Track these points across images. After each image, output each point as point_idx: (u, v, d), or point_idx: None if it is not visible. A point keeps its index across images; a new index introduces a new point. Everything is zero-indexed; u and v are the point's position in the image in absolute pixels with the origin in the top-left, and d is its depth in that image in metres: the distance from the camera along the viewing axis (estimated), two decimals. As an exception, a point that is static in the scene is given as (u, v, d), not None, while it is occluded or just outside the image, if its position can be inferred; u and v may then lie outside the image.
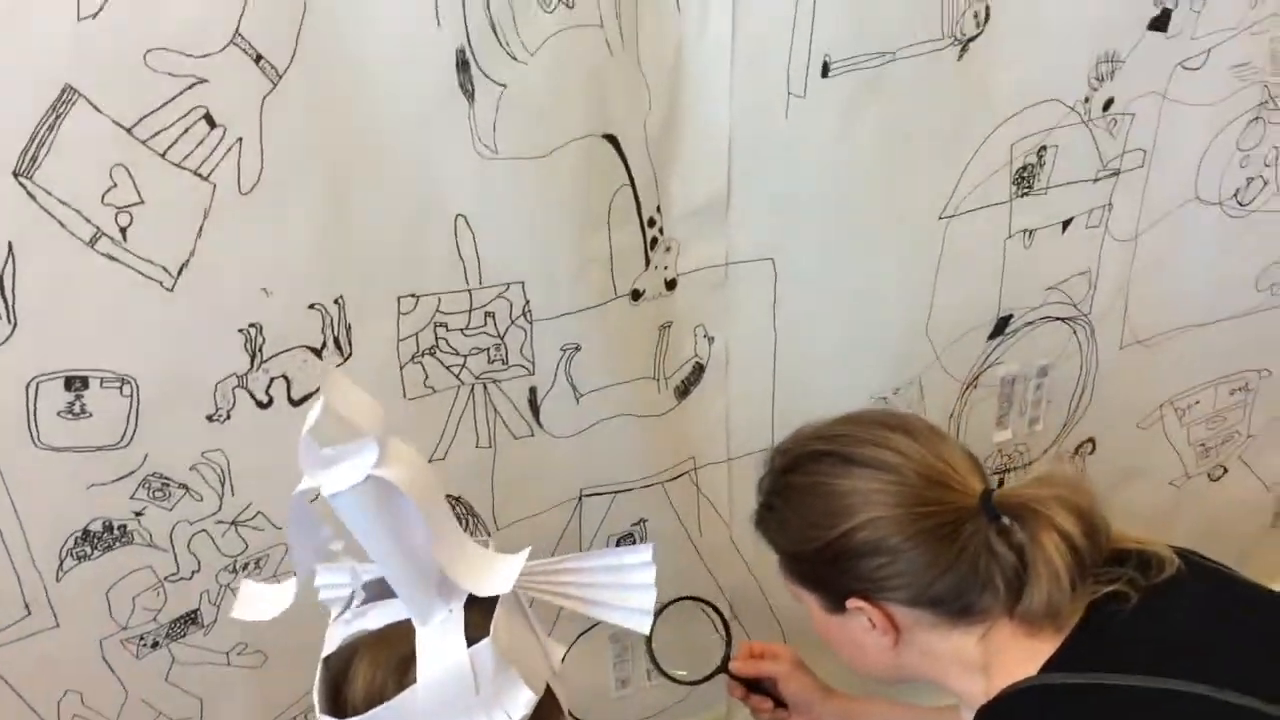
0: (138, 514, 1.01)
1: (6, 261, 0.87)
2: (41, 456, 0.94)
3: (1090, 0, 1.18)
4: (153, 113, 0.87)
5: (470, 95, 0.97)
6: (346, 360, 1.04)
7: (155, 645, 1.08)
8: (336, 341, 1.03)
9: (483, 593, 0.65)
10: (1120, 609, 0.86)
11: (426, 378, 1.09)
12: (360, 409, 0.61)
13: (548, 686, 0.72)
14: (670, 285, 1.17)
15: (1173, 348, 1.46)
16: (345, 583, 0.74)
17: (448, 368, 1.10)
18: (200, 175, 0.90)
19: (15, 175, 0.84)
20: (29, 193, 0.85)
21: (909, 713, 1.20)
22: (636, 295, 1.14)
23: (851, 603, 0.91)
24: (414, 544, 0.65)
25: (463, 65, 0.96)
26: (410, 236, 1.02)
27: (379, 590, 0.72)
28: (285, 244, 0.96)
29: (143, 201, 0.89)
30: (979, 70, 1.17)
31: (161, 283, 0.93)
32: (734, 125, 1.10)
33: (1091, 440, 1.49)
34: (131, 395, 0.96)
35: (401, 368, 1.07)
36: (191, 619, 1.09)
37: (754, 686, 1.18)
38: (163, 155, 0.88)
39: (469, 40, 0.95)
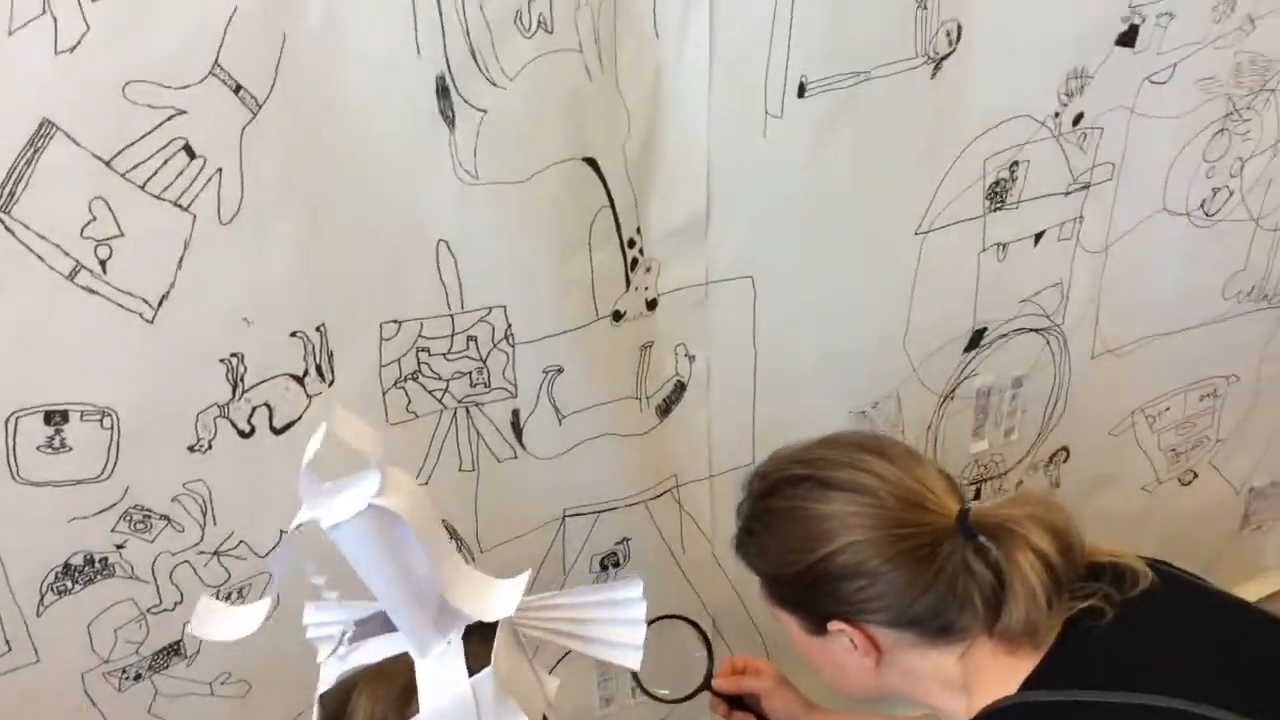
0: (119, 546, 1.00)
1: (-16, 296, 0.86)
2: (21, 491, 0.93)
3: (1060, 17, 1.20)
4: (132, 145, 0.86)
5: (450, 121, 0.97)
6: (329, 387, 1.03)
7: (138, 678, 1.07)
8: (319, 369, 1.02)
9: (487, 617, 0.65)
10: (1097, 625, 0.87)
11: (409, 403, 1.09)
12: (363, 438, 0.61)
13: (544, 717, 0.72)
14: (651, 305, 1.17)
15: (1143, 356, 1.49)
16: (334, 620, 0.73)
17: (430, 392, 1.09)
18: (180, 206, 0.90)
19: (-8, 211, 0.83)
20: (6, 227, 0.84)
21: (892, 727, 1.21)
22: (618, 316, 1.15)
23: (833, 625, 0.92)
24: (414, 574, 0.65)
25: (443, 92, 0.95)
26: (392, 263, 1.01)
27: (370, 627, 0.71)
28: (266, 273, 0.95)
29: (122, 234, 0.88)
30: (952, 88, 1.18)
31: (142, 314, 0.92)
32: (712, 146, 1.11)
33: (1065, 449, 1.51)
34: (112, 428, 0.95)
35: (384, 393, 1.07)
36: (174, 650, 1.08)
37: (737, 703, 1.19)
38: (142, 187, 0.88)
39: (449, 67, 0.95)
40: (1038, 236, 1.33)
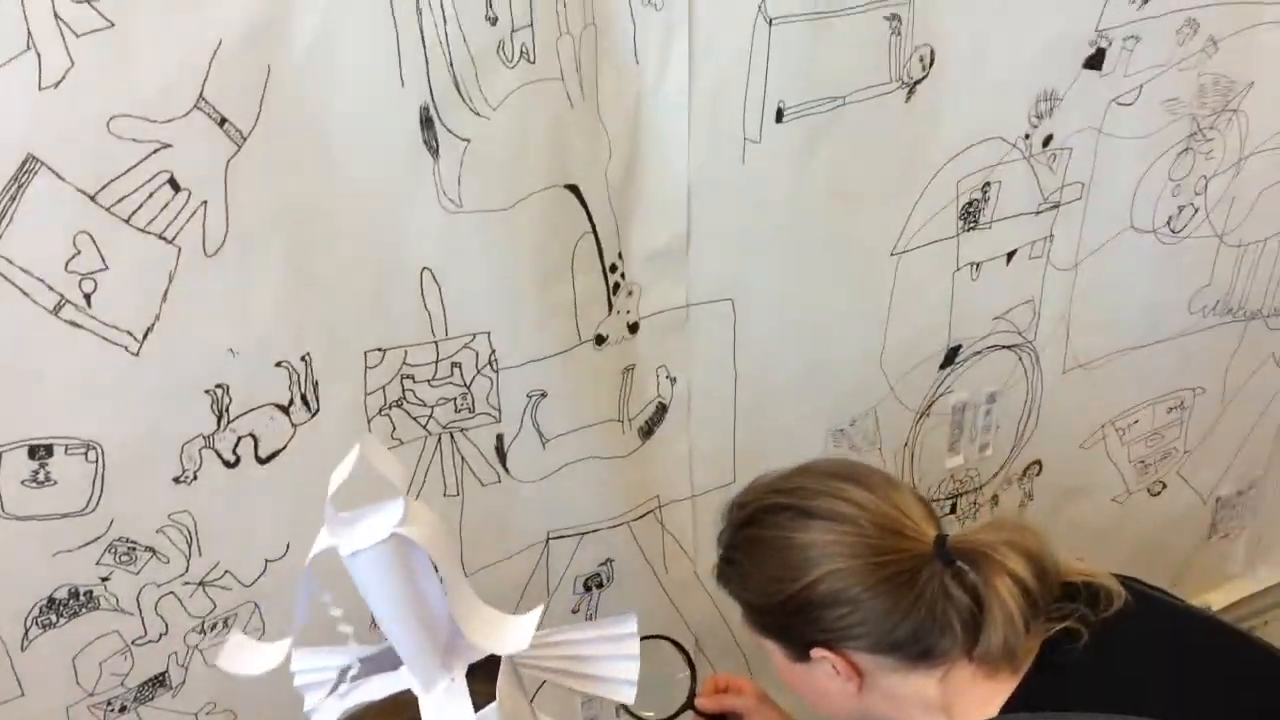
0: (104, 579, 1.00)
1: (-32, 332, 0.85)
2: (5, 526, 0.92)
3: (1029, 41, 1.23)
4: (116, 179, 0.86)
5: (434, 151, 0.97)
6: (314, 416, 1.03)
7: (123, 709, 1.07)
8: (304, 398, 1.02)
9: (500, 651, 0.66)
10: (1074, 646, 0.89)
11: (394, 430, 1.09)
12: (390, 468, 0.62)
13: (540, 752, 0.73)
14: (633, 329, 1.18)
15: (1112, 370, 1.51)
16: (324, 667, 0.74)
17: (415, 419, 1.10)
18: (165, 239, 0.90)
19: (-24, 247, 0.83)
20: (-9, 263, 0.84)
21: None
22: (600, 340, 1.16)
23: (815, 652, 0.93)
24: (427, 606, 0.65)
25: (426, 122, 0.96)
26: (376, 291, 1.02)
27: (369, 666, 0.72)
28: (251, 304, 0.96)
29: (107, 267, 0.88)
30: (925, 111, 1.20)
31: (127, 347, 0.91)
32: (692, 171, 1.12)
33: (1038, 462, 1.54)
34: (97, 461, 0.94)
35: (369, 421, 1.07)
36: (160, 681, 1.08)
37: (719, 721, 1.20)
38: (127, 220, 0.87)
39: (432, 97, 0.95)
40: (1010, 255, 1.36)
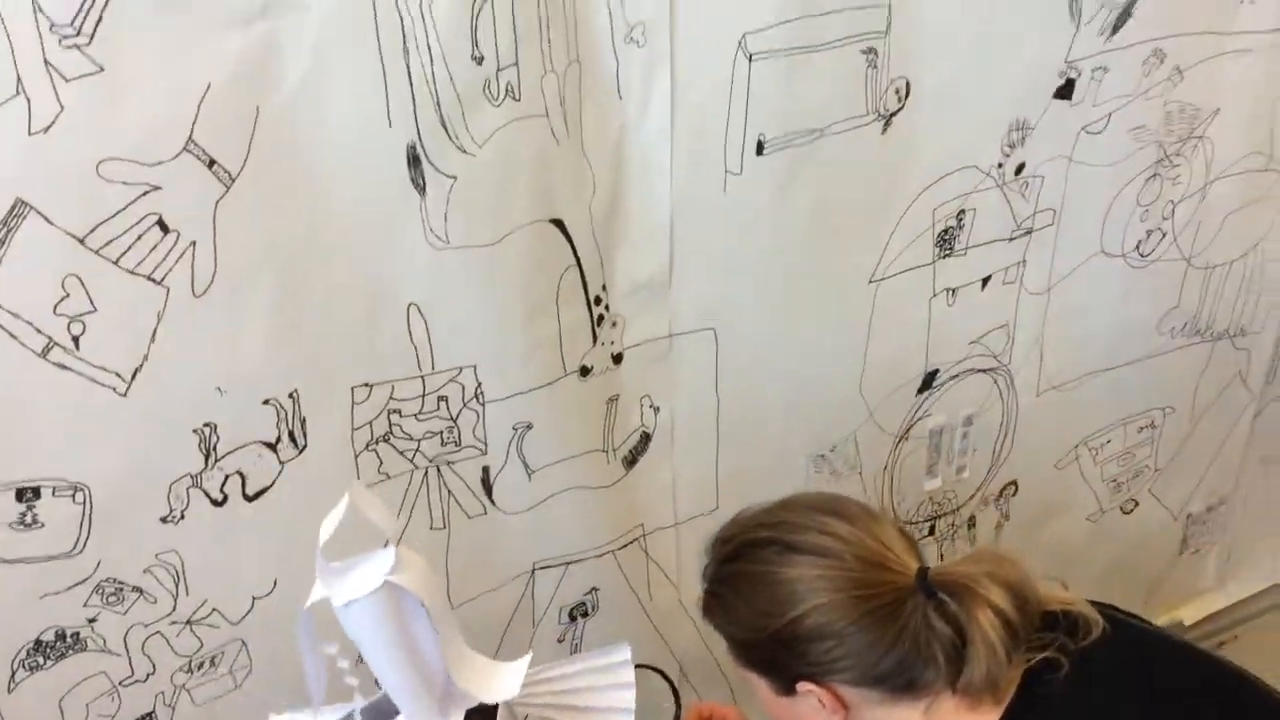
0: (91, 620, 0.99)
1: (-45, 376, 0.85)
2: (-8, 570, 0.92)
3: (1001, 73, 1.25)
4: (105, 221, 0.86)
5: (421, 189, 0.98)
6: (301, 453, 1.03)
7: (109, 751, 1.06)
8: (291, 435, 1.02)
9: (491, 699, 0.67)
10: (1055, 676, 0.91)
11: (381, 464, 1.09)
12: (380, 516, 0.62)
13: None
14: (617, 360, 1.19)
15: (1084, 391, 1.54)
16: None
17: (401, 453, 1.10)
18: (153, 280, 0.90)
19: (-36, 291, 0.83)
20: (-21, 307, 0.84)
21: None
22: (585, 371, 1.16)
23: (801, 685, 0.94)
24: (422, 654, 0.66)
25: (414, 161, 0.97)
26: (363, 327, 1.02)
27: (370, 716, 0.72)
28: (239, 342, 0.96)
29: (95, 309, 0.88)
30: (901, 142, 1.22)
31: (115, 388, 0.91)
32: (675, 203, 1.13)
33: (1014, 483, 1.56)
34: (84, 502, 0.94)
35: (356, 456, 1.07)
36: (146, 722, 1.07)
37: (703, 750, 1.20)
38: (115, 263, 0.88)
39: (420, 136, 0.96)
40: (984, 281, 1.38)
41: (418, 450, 1.11)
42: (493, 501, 1.17)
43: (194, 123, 0.86)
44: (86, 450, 0.93)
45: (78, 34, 0.80)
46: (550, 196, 1.06)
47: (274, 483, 1.03)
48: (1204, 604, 1.86)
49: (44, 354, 0.87)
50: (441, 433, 1.11)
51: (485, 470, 1.15)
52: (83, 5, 0.79)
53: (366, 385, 1.05)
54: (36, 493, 0.92)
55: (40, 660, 0.98)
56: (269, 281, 0.95)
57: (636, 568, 1.32)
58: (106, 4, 0.80)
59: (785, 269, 1.23)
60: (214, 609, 1.05)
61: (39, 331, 0.86)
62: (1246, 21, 1.37)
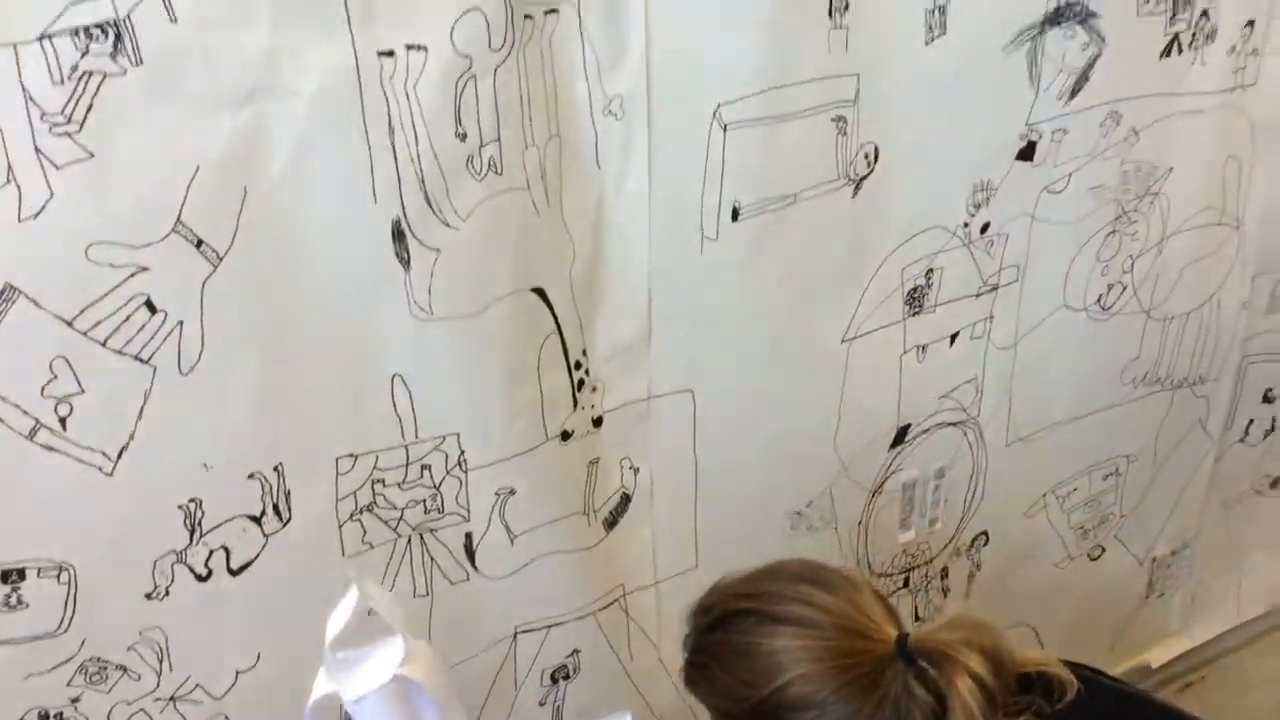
0: (74, 700, 0.98)
1: (-59, 462, 0.85)
2: (-25, 654, 0.91)
3: (965, 137, 1.29)
4: (94, 304, 0.86)
5: (406, 263, 0.99)
6: (286, 525, 1.03)
7: (91, 832, 1.04)
8: (276, 508, 1.02)
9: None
10: None
11: (365, 534, 1.09)
12: (387, 606, 0.63)
13: None
14: (597, 423, 1.20)
15: (1051, 441, 1.57)
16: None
17: (385, 522, 1.10)
18: (140, 360, 0.90)
19: (-49, 377, 0.83)
20: (-35, 391, 0.83)
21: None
22: (566, 436, 1.18)
23: None
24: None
25: (398, 235, 0.98)
26: (348, 400, 1.03)
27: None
28: (225, 418, 0.96)
29: (83, 390, 0.88)
30: (871, 204, 1.26)
31: (101, 468, 0.91)
32: (653, 269, 1.15)
33: (985, 533, 1.59)
34: (69, 582, 0.94)
35: (340, 527, 1.07)
36: (129, 801, 1.06)
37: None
38: (103, 344, 0.88)
39: (404, 212, 0.97)
40: (953, 337, 1.41)
41: (401, 519, 1.11)
42: (475, 567, 1.18)
43: (183, 204, 0.87)
44: (72, 530, 0.92)
45: (68, 121, 0.81)
46: (531, 266, 1.08)
47: (258, 556, 1.03)
48: (1171, 646, 1.89)
49: (30, 436, 0.87)
50: (425, 501, 1.12)
51: (468, 536, 1.16)
52: (74, 94, 0.80)
53: (351, 456, 1.05)
54: (21, 574, 0.91)
55: (22, 743, 0.97)
56: (255, 357, 0.96)
57: (617, 628, 1.32)
58: (98, 91, 0.81)
59: (761, 330, 1.25)
60: (197, 684, 1.04)
61: (26, 414, 0.86)
62: (1196, 83, 1.42)
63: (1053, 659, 0.98)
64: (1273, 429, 1.80)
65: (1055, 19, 1.27)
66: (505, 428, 1.12)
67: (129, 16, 0.80)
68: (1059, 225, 1.41)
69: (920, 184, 1.28)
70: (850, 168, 1.22)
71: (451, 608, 1.18)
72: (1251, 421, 1.78)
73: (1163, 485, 1.72)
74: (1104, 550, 1.72)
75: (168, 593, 0.99)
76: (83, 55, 0.80)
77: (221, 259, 0.91)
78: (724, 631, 0.97)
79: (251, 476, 1.00)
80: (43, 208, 0.82)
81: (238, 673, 1.06)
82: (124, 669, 0.99)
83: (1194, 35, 1.39)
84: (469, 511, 1.14)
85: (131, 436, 0.92)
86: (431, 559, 1.15)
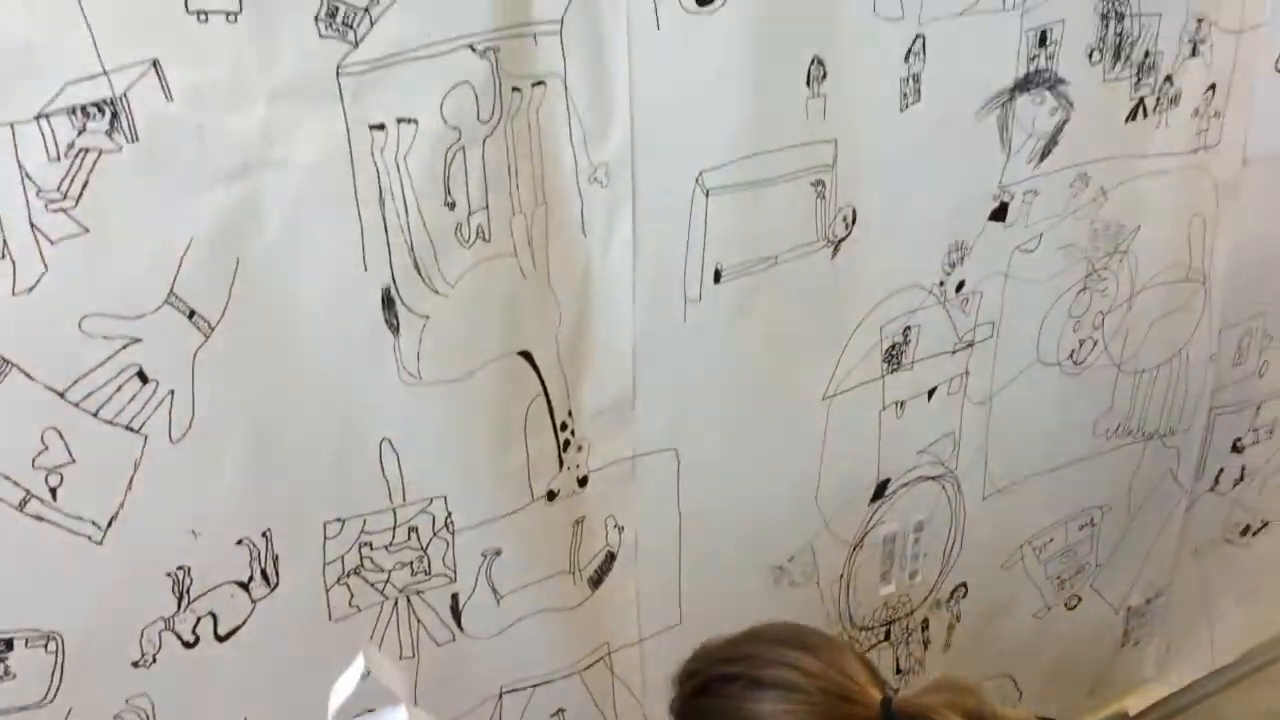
0: (59, 771, 0.97)
1: (-69, 534, 0.84)
2: (-41, 727, 0.91)
3: (940, 199, 1.32)
4: (86, 375, 0.87)
5: (395, 329, 1.01)
6: (273, 590, 1.03)
7: None
8: (264, 573, 1.02)
9: None
10: None
11: (352, 598, 1.09)
12: (392, 676, 0.63)
13: None
14: (582, 482, 1.21)
15: (1027, 493, 1.59)
16: None
17: (372, 584, 1.10)
18: (131, 429, 0.91)
19: (-57, 449, 0.83)
20: (-44, 463, 0.84)
21: None
22: (551, 496, 1.18)
23: None
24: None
25: (388, 303, 0.99)
26: (337, 464, 1.03)
27: None
28: (214, 486, 0.96)
29: (74, 461, 0.88)
30: (850, 265, 1.28)
31: (90, 537, 0.91)
32: (638, 331, 1.17)
33: (964, 584, 1.60)
34: (57, 651, 0.93)
35: (328, 591, 1.07)
36: None
37: None
38: (95, 414, 0.88)
39: (394, 279, 0.99)
40: (930, 392, 1.43)
41: (388, 581, 1.11)
42: (461, 628, 1.18)
43: (175, 276, 0.88)
44: (61, 599, 0.92)
45: (64, 198, 0.82)
46: (518, 330, 1.09)
47: (245, 621, 1.03)
48: (1147, 694, 1.91)
49: (21, 507, 0.87)
50: (412, 563, 1.12)
51: (454, 598, 1.16)
52: (70, 170, 0.81)
53: (339, 520, 1.06)
54: (9, 644, 0.91)
55: (5, 816, 0.96)
56: (245, 424, 0.96)
57: (602, 687, 1.33)
58: (93, 168, 0.82)
59: (743, 389, 1.27)
60: (183, 752, 1.04)
61: (17, 485, 0.87)
62: (1161, 145, 1.47)
63: (1030, 715, 0.99)
64: (1242, 478, 1.84)
65: (1024, 85, 1.31)
66: (492, 489, 1.13)
67: (125, 95, 0.82)
68: (1031, 283, 1.45)
69: (897, 245, 1.31)
70: (829, 230, 1.25)
71: (437, 669, 1.18)
72: (1222, 470, 1.82)
73: (1136, 535, 1.74)
74: (1080, 600, 1.75)
75: (155, 660, 0.99)
76: (79, 133, 0.81)
77: (213, 328, 0.91)
78: (709, 697, 0.98)
79: (240, 542, 1.00)
80: (37, 282, 0.82)
81: (225, 737, 1.06)
82: (110, 738, 0.99)
83: (1158, 99, 1.43)
84: (455, 572, 1.15)
85: (121, 505, 0.92)
86: (418, 620, 1.15)
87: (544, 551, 1.21)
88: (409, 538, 1.11)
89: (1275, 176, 1.61)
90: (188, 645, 1.00)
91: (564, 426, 1.17)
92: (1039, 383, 1.52)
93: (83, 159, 0.82)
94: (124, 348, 0.88)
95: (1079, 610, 1.75)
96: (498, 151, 1.00)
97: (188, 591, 0.98)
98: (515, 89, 1.00)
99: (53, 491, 0.88)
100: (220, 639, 1.02)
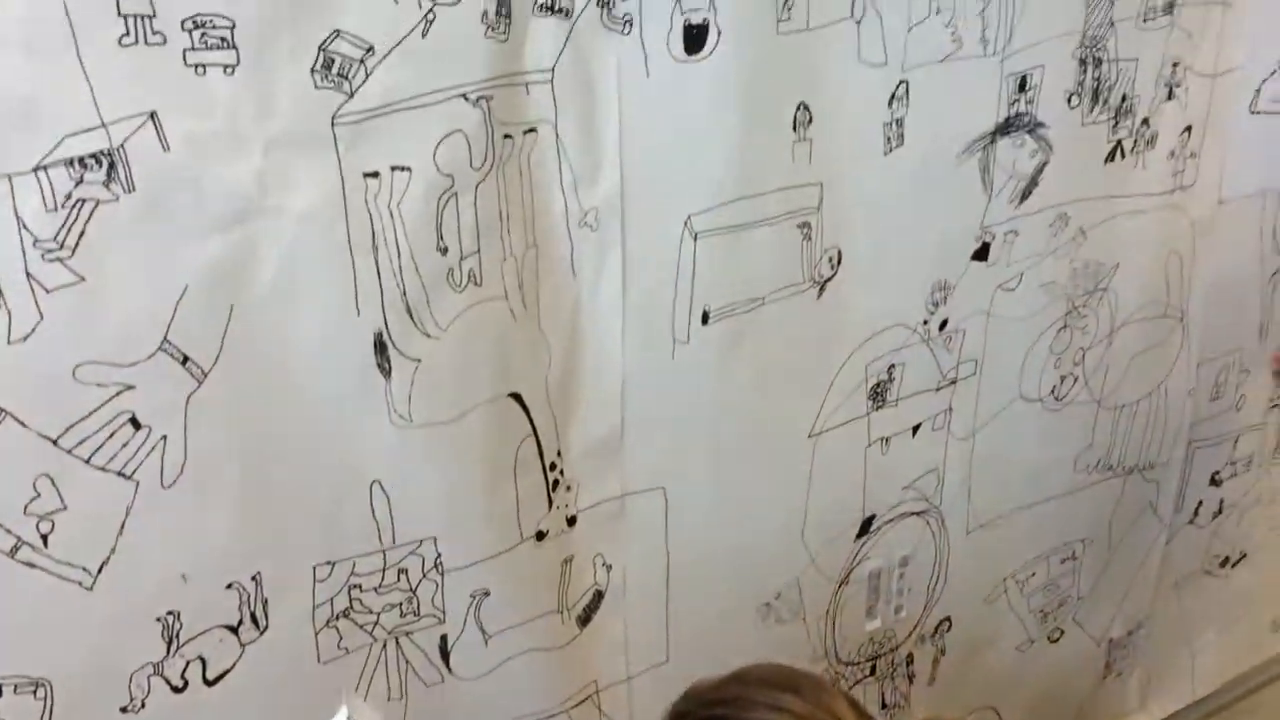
0: (46, 819, 0.97)
1: (-79, 582, 0.84)
2: (-53, 775, 0.90)
3: (923, 240, 1.34)
4: (79, 422, 0.87)
5: (387, 373, 1.01)
6: (263, 634, 1.03)
7: None
8: (253, 617, 1.02)
9: None
10: None
11: (340, 639, 1.09)
12: None
13: None
14: (571, 522, 1.22)
15: (1010, 528, 1.61)
16: None
17: (361, 626, 1.10)
18: (124, 475, 0.91)
19: (-65, 497, 0.83)
20: (-52, 512, 0.84)
21: None
22: (540, 535, 1.19)
23: None
24: None
25: (380, 347, 1.00)
26: (327, 507, 1.03)
27: None
28: (205, 530, 0.96)
29: (65, 507, 0.88)
30: (835, 305, 1.30)
31: (81, 583, 0.91)
32: (626, 372, 1.18)
33: (948, 619, 1.61)
34: (45, 698, 0.93)
35: (316, 634, 1.07)
36: None
37: None
38: (87, 461, 0.88)
39: (386, 324, 0.99)
40: (915, 429, 1.45)
41: (377, 623, 1.11)
42: (450, 669, 1.18)
43: (170, 323, 0.89)
44: (51, 645, 0.92)
45: (60, 248, 0.82)
46: (509, 372, 1.10)
47: (234, 665, 1.03)
48: (1130, 725, 1.93)
49: (11, 554, 0.87)
50: (401, 604, 1.12)
51: (443, 639, 1.16)
52: (66, 221, 0.82)
53: (329, 563, 1.06)
54: (-3, 692, 0.91)
55: None
56: (236, 469, 0.97)
57: (590, 725, 1.33)
58: (90, 218, 0.83)
59: (730, 429, 1.28)
60: (170, 797, 1.03)
61: (8, 532, 0.86)
62: (1139, 186, 1.50)
63: None
64: (1220, 511, 1.86)
65: (1005, 129, 1.33)
66: (482, 530, 1.14)
67: (123, 145, 0.82)
68: (1013, 321, 1.47)
69: (881, 285, 1.33)
70: (815, 271, 1.27)
71: (426, 710, 1.18)
72: (1200, 503, 1.84)
73: (1117, 567, 1.76)
74: (1063, 632, 1.76)
75: (143, 705, 0.98)
76: (77, 184, 0.81)
77: (206, 374, 0.92)
78: None
79: (230, 586, 1.00)
80: (32, 330, 0.83)
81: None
82: (97, 784, 0.98)
83: (1135, 141, 1.46)
84: (444, 613, 1.15)
85: (113, 551, 0.92)
86: (407, 662, 1.15)
87: (532, 591, 1.21)
88: (398, 579, 1.11)
89: (1249, 215, 1.65)
90: (176, 690, 1.00)
91: (553, 466, 1.18)
92: (1021, 419, 1.54)
93: (80, 209, 0.82)
94: (117, 394, 0.88)
95: (1061, 643, 1.76)
96: (490, 197, 1.02)
97: (177, 636, 0.98)
98: (507, 136, 1.01)
99: (44, 538, 0.88)
100: (209, 683, 1.02)
